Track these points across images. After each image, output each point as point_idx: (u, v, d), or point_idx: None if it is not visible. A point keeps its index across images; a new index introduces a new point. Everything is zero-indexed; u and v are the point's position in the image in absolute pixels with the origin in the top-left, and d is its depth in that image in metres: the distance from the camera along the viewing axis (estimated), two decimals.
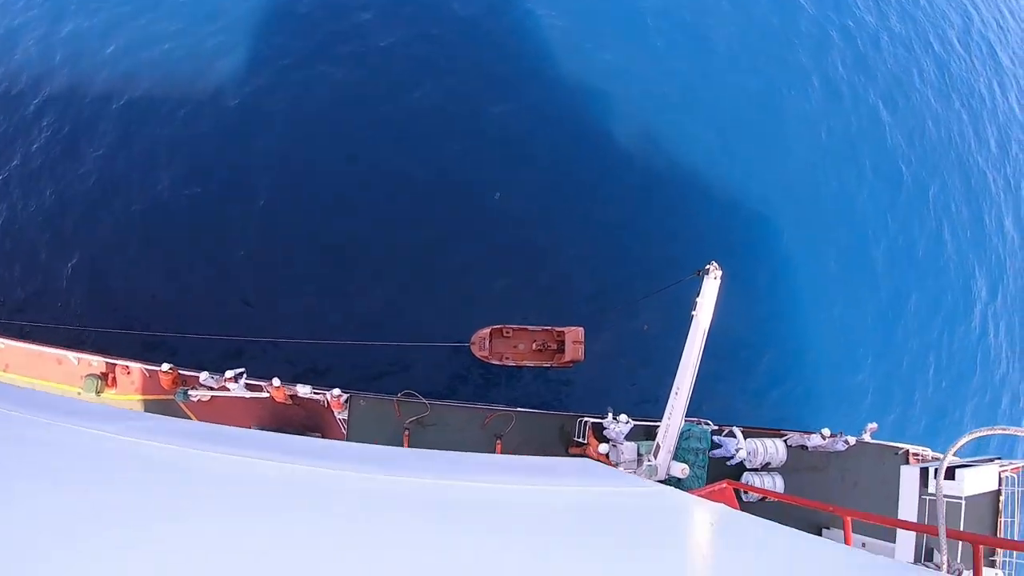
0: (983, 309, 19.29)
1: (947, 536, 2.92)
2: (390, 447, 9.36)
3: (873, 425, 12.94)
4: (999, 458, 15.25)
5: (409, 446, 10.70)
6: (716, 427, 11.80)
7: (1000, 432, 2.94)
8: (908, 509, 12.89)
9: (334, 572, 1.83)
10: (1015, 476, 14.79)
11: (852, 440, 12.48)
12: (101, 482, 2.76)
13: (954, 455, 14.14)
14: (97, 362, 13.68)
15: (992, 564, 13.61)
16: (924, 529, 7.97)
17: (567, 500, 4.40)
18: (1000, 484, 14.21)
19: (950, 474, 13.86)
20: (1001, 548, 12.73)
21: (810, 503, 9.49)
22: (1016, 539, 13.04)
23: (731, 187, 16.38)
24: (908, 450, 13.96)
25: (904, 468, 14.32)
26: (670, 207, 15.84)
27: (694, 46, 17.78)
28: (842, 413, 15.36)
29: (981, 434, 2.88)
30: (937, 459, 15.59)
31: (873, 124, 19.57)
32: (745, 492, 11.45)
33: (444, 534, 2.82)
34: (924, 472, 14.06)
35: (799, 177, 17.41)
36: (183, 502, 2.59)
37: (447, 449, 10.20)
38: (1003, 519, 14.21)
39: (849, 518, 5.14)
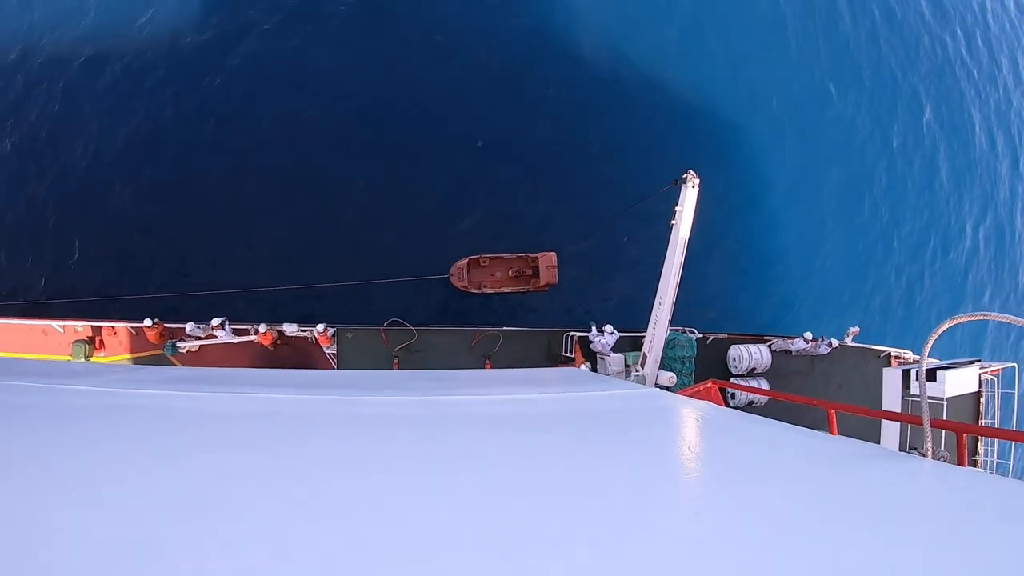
0: (963, 220, 19.47)
1: (931, 426, 2.98)
2: (374, 371, 9.45)
3: (855, 329, 13.18)
4: (979, 360, 15.67)
5: None
6: (702, 334, 12.01)
7: (980, 318, 2.95)
8: (892, 409, 13.20)
9: (323, 494, 1.87)
10: (994, 378, 15.20)
11: (835, 343, 12.73)
12: (99, 432, 2.81)
13: (934, 356, 14.46)
14: (83, 327, 13.58)
15: (974, 463, 14.03)
16: (908, 419, 8.07)
17: (555, 407, 4.43)
18: (980, 386, 14.55)
19: (932, 376, 14.22)
20: (983, 436, 13.12)
21: (794, 397, 9.71)
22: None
23: (704, 96, 16.03)
24: (890, 353, 14.30)
25: (886, 370, 14.69)
26: (642, 120, 15.56)
27: None
28: (825, 317, 15.59)
29: (961, 320, 2.86)
30: (919, 361, 16.02)
31: (848, 31, 19.20)
32: (732, 396, 11.74)
33: (431, 448, 2.84)
34: (906, 374, 14.43)
35: (774, 85, 17.02)
36: (175, 443, 2.64)
37: None
38: (983, 420, 14.57)
39: (833, 411, 5.22)
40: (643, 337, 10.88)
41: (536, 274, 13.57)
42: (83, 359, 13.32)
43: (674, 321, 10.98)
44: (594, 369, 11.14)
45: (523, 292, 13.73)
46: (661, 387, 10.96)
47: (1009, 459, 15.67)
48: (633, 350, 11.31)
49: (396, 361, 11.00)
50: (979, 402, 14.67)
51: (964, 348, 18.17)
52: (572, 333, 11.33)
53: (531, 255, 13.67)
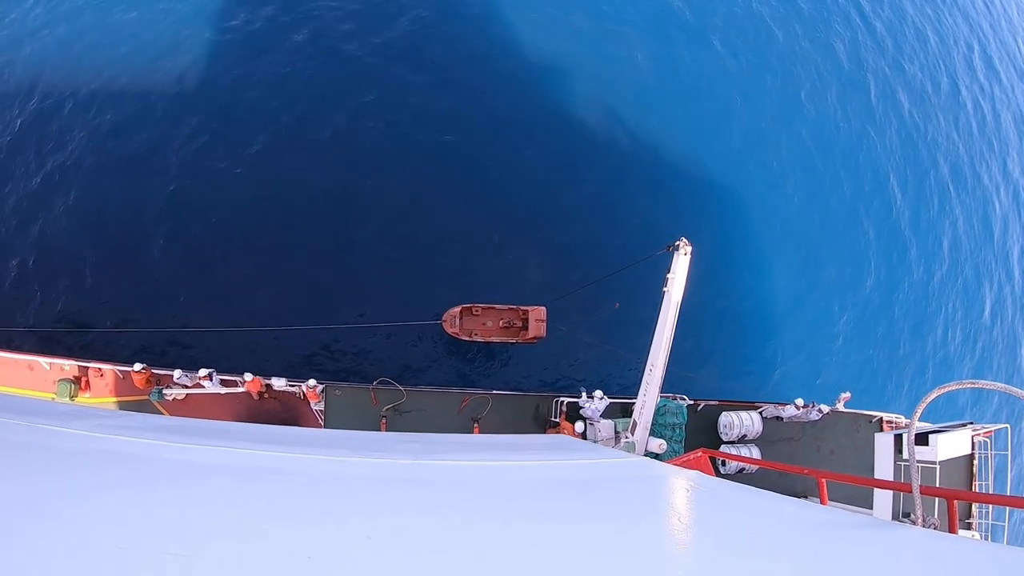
0: (964, 282, 19.73)
1: (921, 493, 2.96)
2: (365, 432, 9.36)
3: (847, 394, 13.15)
4: (972, 423, 15.60)
5: None
6: (692, 401, 11.96)
7: (969, 386, 2.98)
8: (884, 475, 13.08)
9: (308, 556, 1.88)
10: (987, 440, 15.11)
11: (826, 409, 12.67)
12: (90, 479, 2.78)
13: (925, 420, 14.37)
14: (69, 366, 13.41)
15: (968, 527, 13.83)
16: (897, 487, 8.01)
17: (543, 474, 4.41)
18: (973, 448, 14.45)
19: (924, 440, 14.14)
20: (974, 502, 12.99)
21: (784, 467, 9.62)
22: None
23: (700, 164, 16.60)
24: (882, 418, 14.23)
25: (878, 435, 14.60)
26: (639, 184, 16.12)
27: (658, 30, 17.94)
28: (816, 383, 15.62)
29: (949, 389, 2.90)
30: (910, 426, 15.93)
31: (846, 98, 19.86)
32: (723, 464, 11.62)
33: (422, 514, 2.83)
34: (898, 439, 14.34)
35: (771, 154, 17.65)
36: (158, 494, 2.64)
37: None
38: (977, 482, 14.44)
39: (824, 479, 5.17)
40: (633, 403, 10.81)
41: (525, 326, 13.86)
42: (68, 399, 13.11)
43: (665, 388, 10.93)
44: (583, 436, 11.04)
45: (512, 343, 14.02)
46: (651, 454, 10.84)
47: (1004, 520, 15.46)
48: (623, 416, 11.23)
49: (384, 420, 10.89)
50: (972, 464, 14.54)
51: (958, 410, 18.13)
52: (562, 398, 11.27)
53: (522, 308, 14.01)
